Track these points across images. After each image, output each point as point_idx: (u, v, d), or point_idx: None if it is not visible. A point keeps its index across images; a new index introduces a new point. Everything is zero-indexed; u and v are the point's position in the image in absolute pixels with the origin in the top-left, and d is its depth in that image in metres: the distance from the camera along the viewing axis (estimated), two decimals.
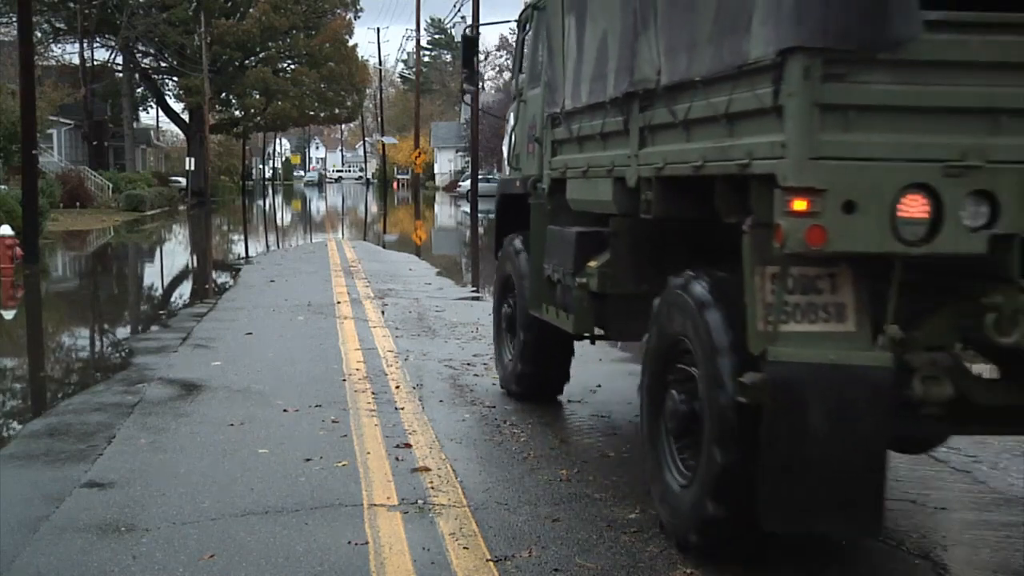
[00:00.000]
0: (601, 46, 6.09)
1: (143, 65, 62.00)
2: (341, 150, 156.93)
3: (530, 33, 8.31)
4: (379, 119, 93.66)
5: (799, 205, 3.98)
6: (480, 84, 42.96)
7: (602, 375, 9.34)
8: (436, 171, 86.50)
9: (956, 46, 3.98)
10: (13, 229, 18.35)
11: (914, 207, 3.99)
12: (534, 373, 8.11)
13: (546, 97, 7.43)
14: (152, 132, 76.67)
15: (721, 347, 4.51)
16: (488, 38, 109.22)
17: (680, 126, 5.03)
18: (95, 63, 54.88)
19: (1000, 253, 4.05)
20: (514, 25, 8.04)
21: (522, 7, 8.63)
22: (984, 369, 4.76)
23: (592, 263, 6.54)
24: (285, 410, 7.82)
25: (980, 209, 4.01)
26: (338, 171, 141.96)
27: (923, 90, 4.00)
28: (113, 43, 56.30)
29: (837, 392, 4.12)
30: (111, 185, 46.02)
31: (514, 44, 9.32)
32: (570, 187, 6.99)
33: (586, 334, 6.98)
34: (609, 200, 6.06)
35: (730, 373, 4.42)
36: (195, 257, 27.49)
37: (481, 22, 40.10)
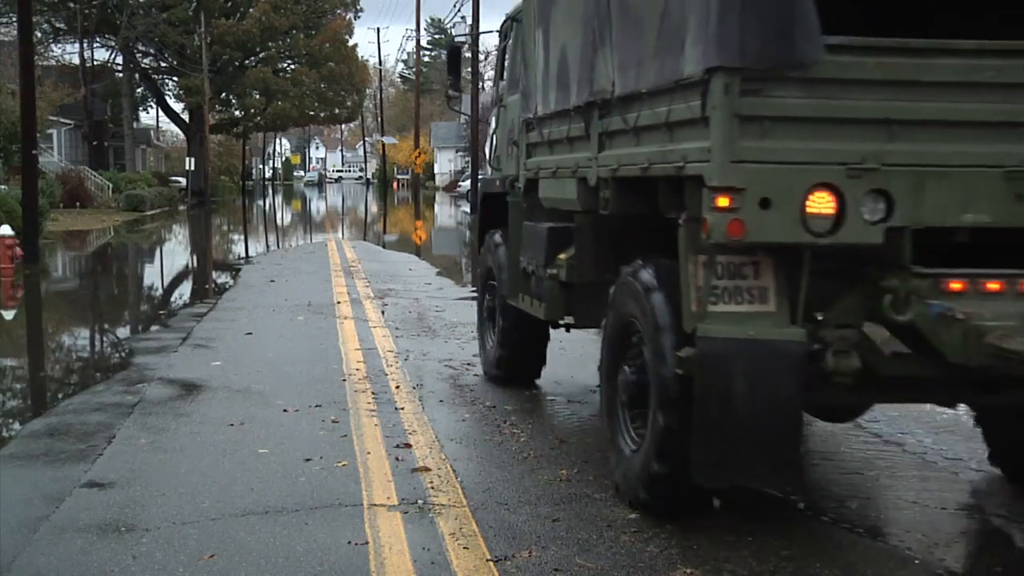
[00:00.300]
0: (565, 59, 6.75)
1: (143, 65, 62.00)
2: (341, 150, 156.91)
3: (510, 43, 8.88)
4: (379, 119, 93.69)
5: (722, 202, 4.59)
6: (480, 85, 42.97)
7: None
8: (436, 171, 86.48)
9: (855, 66, 4.62)
10: (13, 229, 18.36)
11: (821, 204, 4.63)
12: (512, 357, 8.74)
13: (522, 103, 8.02)
14: (152, 132, 76.66)
15: (663, 326, 5.13)
16: (490, 39, 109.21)
17: (631, 132, 5.66)
18: (95, 63, 54.88)
19: (894, 243, 4.72)
20: None
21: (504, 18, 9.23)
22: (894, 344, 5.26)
23: (561, 256, 7.16)
24: (285, 410, 7.82)
25: (877, 205, 4.66)
26: (338, 171, 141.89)
27: (827, 103, 4.63)
28: (113, 43, 56.30)
29: (757, 363, 4.74)
30: (111, 185, 46.03)
31: (496, 53, 10.02)
32: (542, 186, 7.60)
33: (558, 320, 7.61)
34: (574, 198, 6.66)
35: (670, 348, 5.04)
36: (195, 257, 27.50)
37: (481, 22, 40.07)
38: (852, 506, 5.80)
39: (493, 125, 9.90)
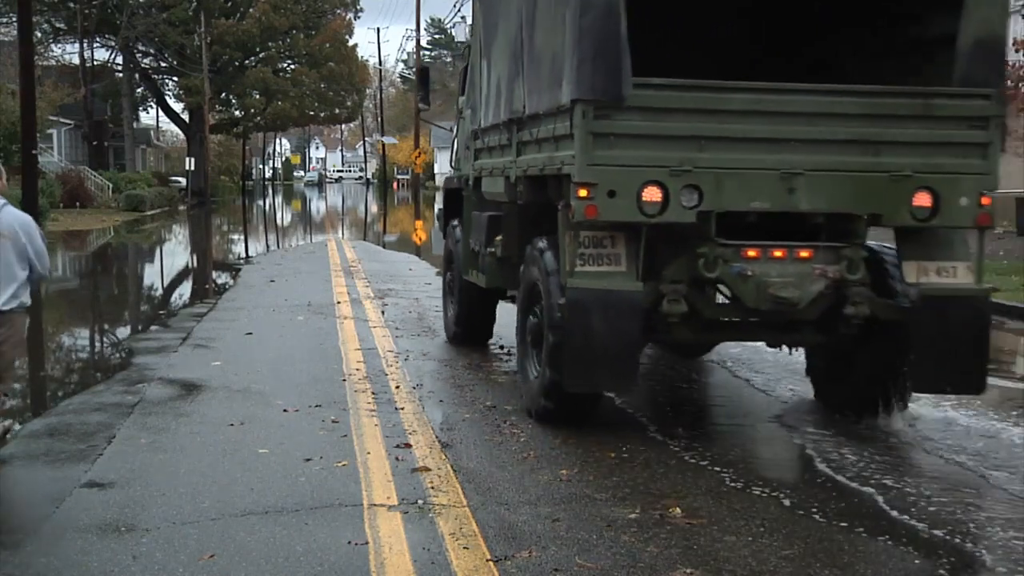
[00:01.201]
0: (499, 84, 8.66)
1: (143, 65, 61.99)
2: (341, 150, 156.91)
3: (467, 64, 10.72)
4: (379, 119, 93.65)
5: (582, 193, 6.62)
6: None
7: None
8: (436, 171, 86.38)
9: (675, 99, 6.72)
10: None
11: (651, 194, 6.64)
12: (467, 321, 10.81)
13: (471, 116, 9.95)
14: (152, 132, 76.64)
15: (552, 284, 7.14)
16: None
17: (534, 143, 7.64)
18: (95, 63, 54.86)
19: (704, 222, 6.78)
20: None
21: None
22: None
23: (497, 237, 9.22)
24: (285, 410, 7.82)
25: (691, 196, 6.68)
26: (339, 171, 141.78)
27: (655, 125, 6.70)
28: (113, 43, 56.29)
29: (609, 307, 6.77)
30: (111, 185, 46.03)
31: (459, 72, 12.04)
32: (484, 183, 9.59)
33: (494, 287, 9.59)
34: (502, 191, 8.67)
35: (556, 292, 7.01)
36: (195, 257, 27.50)
37: None
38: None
39: (455, 132, 11.95)
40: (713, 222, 6.80)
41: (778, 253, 6.91)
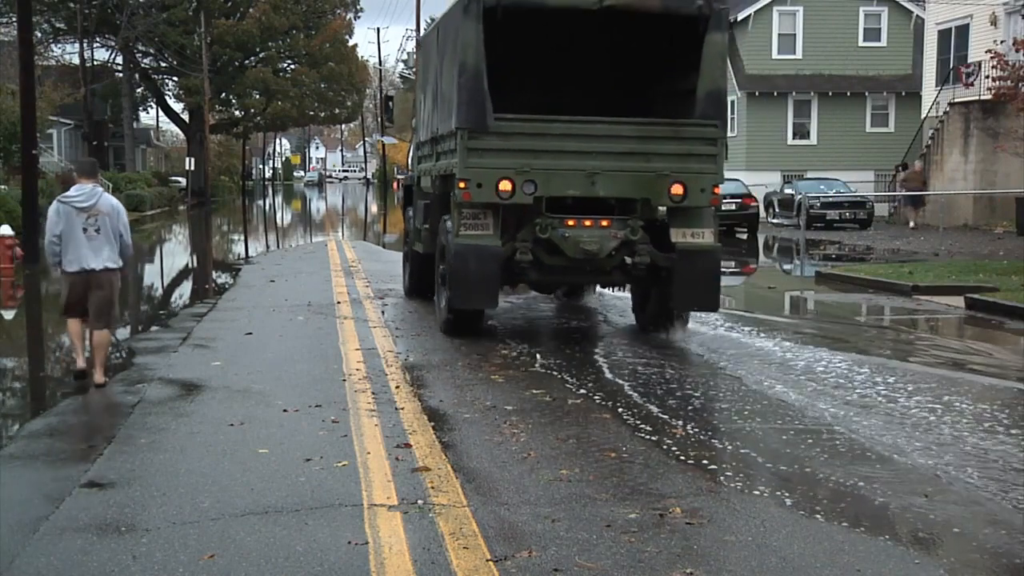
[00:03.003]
0: (426, 111, 13.31)
1: (143, 65, 61.96)
2: (341, 150, 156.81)
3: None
4: (379, 119, 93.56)
5: (461, 185, 10.57)
6: None
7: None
8: None
9: (518, 125, 10.76)
10: (13, 229, 18.35)
11: (504, 186, 10.52)
12: (417, 280, 14.40)
13: (415, 134, 14.97)
14: (152, 132, 76.61)
15: (449, 241, 11.01)
16: None
17: (443, 153, 11.76)
18: (95, 63, 54.82)
19: (538, 203, 10.71)
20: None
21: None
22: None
23: (429, 218, 12.83)
24: (285, 410, 7.82)
25: (530, 187, 10.54)
26: (344, 171, 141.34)
27: (506, 142, 10.62)
28: (113, 43, 56.25)
29: (479, 255, 10.74)
30: (111, 185, 45.88)
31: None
32: (421, 181, 14.11)
33: (426, 252, 13.19)
34: (430, 186, 13.00)
35: (451, 249, 10.91)
36: (195, 257, 27.49)
37: None
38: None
39: (410, 144, 16.71)
40: (544, 203, 10.87)
41: (587, 223, 10.94)
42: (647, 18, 11.29)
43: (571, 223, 10.85)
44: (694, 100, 10.88)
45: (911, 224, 30.74)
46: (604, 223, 10.88)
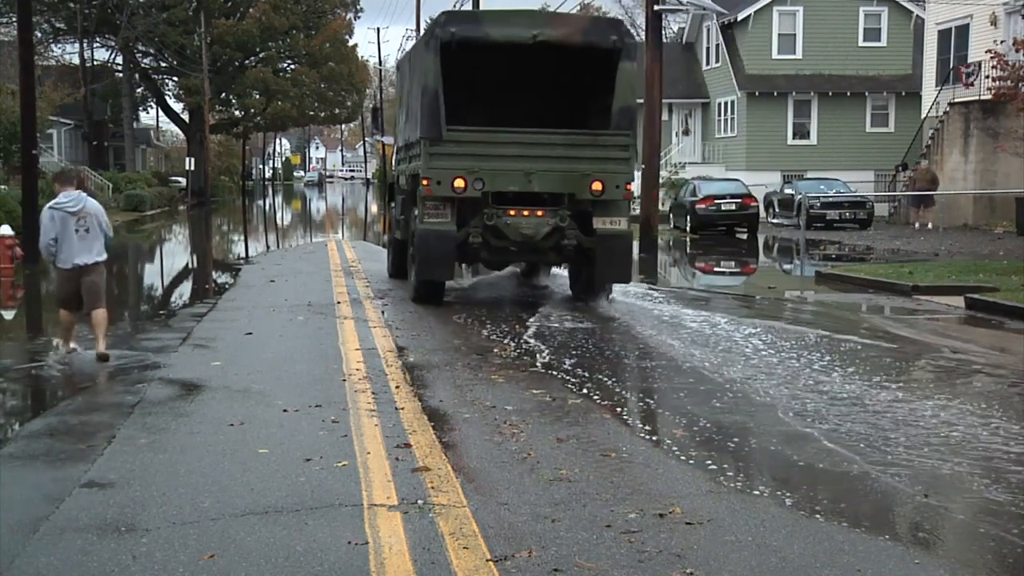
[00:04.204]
0: (402, 123, 16.33)
1: (143, 65, 61.96)
2: (341, 150, 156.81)
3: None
4: (379, 119, 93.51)
5: (424, 182, 13.37)
6: None
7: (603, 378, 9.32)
8: None
9: (468, 135, 13.48)
10: (13, 229, 18.36)
11: (458, 183, 13.21)
12: (397, 263, 16.76)
13: (396, 140, 17.85)
14: (152, 132, 76.59)
15: (416, 227, 13.67)
16: None
17: (414, 157, 14.24)
18: (95, 63, 54.85)
19: (486, 196, 13.44)
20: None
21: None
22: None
23: (404, 210, 15.38)
24: (285, 410, 7.82)
25: (479, 183, 13.29)
26: (351, 171, 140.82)
27: (459, 148, 13.35)
28: (113, 43, 56.29)
29: (439, 238, 13.39)
30: (111, 185, 46.00)
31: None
32: (399, 180, 16.71)
33: (401, 238, 16.03)
34: (404, 185, 15.55)
35: (418, 234, 13.61)
36: (195, 257, 27.49)
37: None
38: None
39: (394, 148, 19.03)
40: (490, 197, 13.47)
41: (525, 212, 13.48)
42: (572, 50, 13.84)
43: (512, 213, 13.44)
44: (610, 115, 13.44)
45: (918, 225, 30.63)
46: (539, 213, 13.48)
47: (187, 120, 64.96)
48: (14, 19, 31.58)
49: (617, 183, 13.41)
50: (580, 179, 13.33)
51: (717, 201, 31.02)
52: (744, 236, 30.80)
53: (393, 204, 17.74)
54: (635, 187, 14.30)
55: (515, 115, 14.26)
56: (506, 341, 11.15)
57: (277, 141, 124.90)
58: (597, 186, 13.31)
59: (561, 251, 13.78)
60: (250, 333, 11.60)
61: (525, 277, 17.51)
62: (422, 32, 15.93)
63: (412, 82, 14.80)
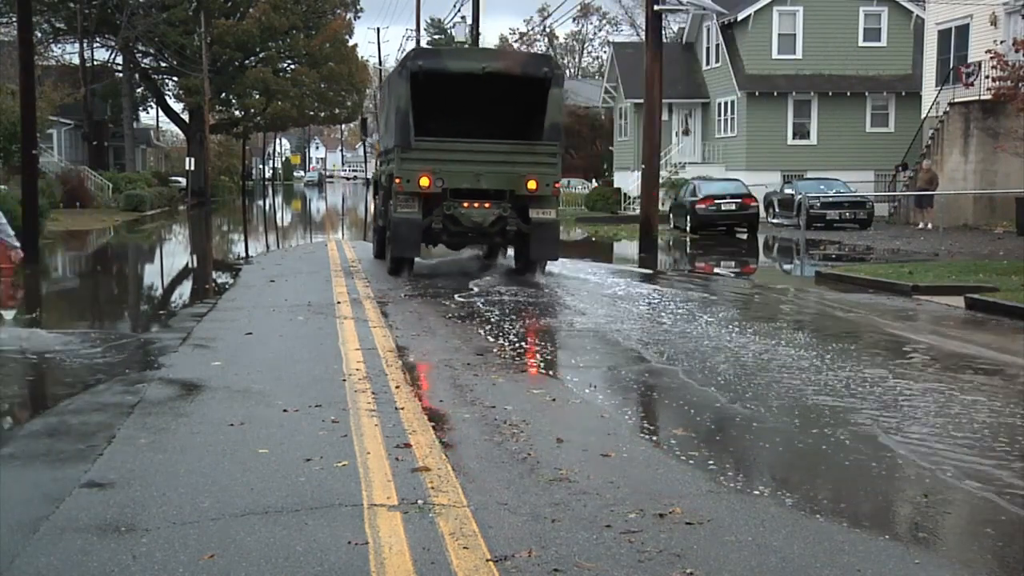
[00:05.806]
0: (383, 132, 21.27)
1: (143, 65, 61.96)
2: (341, 150, 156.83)
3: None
4: (376, 122, 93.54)
5: (397, 180, 17.47)
6: None
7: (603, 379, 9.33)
8: None
9: (433, 144, 17.52)
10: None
11: (424, 181, 17.19)
12: (379, 246, 20.26)
13: (381, 143, 21.92)
14: (152, 132, 76.59)
15: (391, 215, 17.90)
16: (488, 38, 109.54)
17: (392, 160, 18.26)
18: (95, 63, 54.85)
19: (445, 192, 17.50)
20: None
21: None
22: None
23: (384, 203, 19.11)
24: (285, 410, 7.82)
25: (440, 182, 17.37)
26: (354, 171, 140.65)
27: (425, 155, 17.37)
28: (113, 43, 56.28)
29: (408, 224, 17.53)
30: (111, 185, 46.00)
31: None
32: (381, 178, 20.40)
33: (381, 225, 20.08)
34: (384, 182, 19.63)
35: (393, 220, 17.82)
36: (195, 257, 27.49)
37: (481, 23, 40.08)
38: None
39: (376, 152, 24.16)
40: (448, 192, 17.28)
41: (475, 204, 17.37)
42: (513, 78, 17.72)
43: (466, 205, 17.40)
44: (543, 129, 17.52)
45: (921, 225, 30.61)
46: (487, 205, 17.41)
47: (187, 120, 64.95)
48: (14, 19, 31.57)
49: (547, 182, 17.38)
50: (519, 179, 17.19)
51: (717, 201, 31.05)
52: (744, 236, 30.80)
53: (376, 197, 22.22)
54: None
55: (469, 128, 18.07)
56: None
57: (277, 141, 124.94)
58: (532, 184, 17.17)
59: (505, 235, 17.85)
60: (250, 333, 11.60)
61: (487, 258, 21.37)
62: (396, 63, 21.15)
63: (390, 101, 18.90)
